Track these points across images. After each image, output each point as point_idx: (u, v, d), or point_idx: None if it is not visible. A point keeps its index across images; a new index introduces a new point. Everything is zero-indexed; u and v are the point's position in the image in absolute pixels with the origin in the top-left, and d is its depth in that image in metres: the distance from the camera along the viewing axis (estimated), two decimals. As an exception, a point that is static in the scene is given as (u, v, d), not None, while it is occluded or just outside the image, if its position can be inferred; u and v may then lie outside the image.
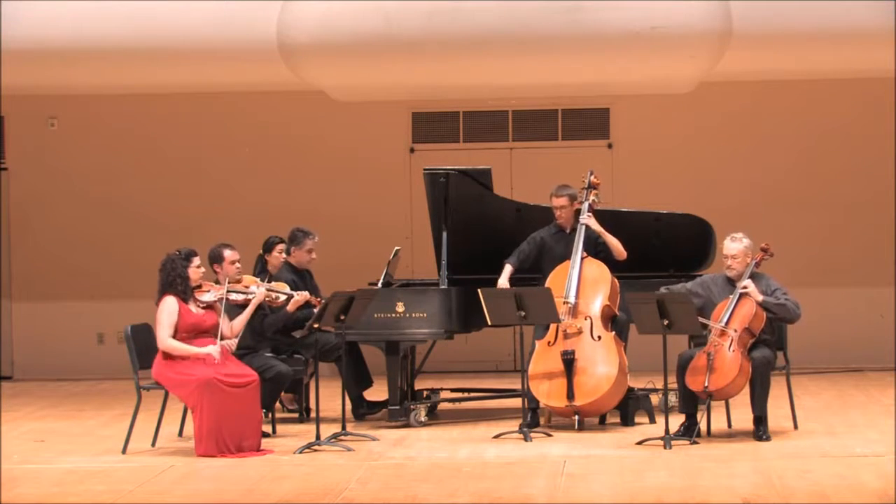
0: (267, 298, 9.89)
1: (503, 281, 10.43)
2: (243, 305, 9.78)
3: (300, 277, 10.77)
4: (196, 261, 9.59)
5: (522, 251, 10.58)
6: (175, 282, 9.48)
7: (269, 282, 10.11)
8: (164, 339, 9.42)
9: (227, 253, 9.87)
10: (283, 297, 10.00)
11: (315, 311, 9.71)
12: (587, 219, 10.42)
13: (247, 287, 9.87)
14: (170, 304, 9.46)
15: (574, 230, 10.50)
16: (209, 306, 9.60)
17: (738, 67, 12.55)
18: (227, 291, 9.66)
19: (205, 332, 9.51)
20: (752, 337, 9.57)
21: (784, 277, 10.01)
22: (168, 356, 9.42)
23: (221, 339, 9.54)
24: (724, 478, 8.35)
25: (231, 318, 9.69)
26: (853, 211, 14.19)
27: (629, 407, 10.34)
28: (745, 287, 9.61)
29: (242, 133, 14.54)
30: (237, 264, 9.89)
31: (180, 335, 9.43)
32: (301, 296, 10.06)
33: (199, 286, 9.61)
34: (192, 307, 9.54)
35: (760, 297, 9.59)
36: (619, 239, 10.51)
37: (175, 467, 9.02)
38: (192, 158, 14.56)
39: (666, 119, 14.37)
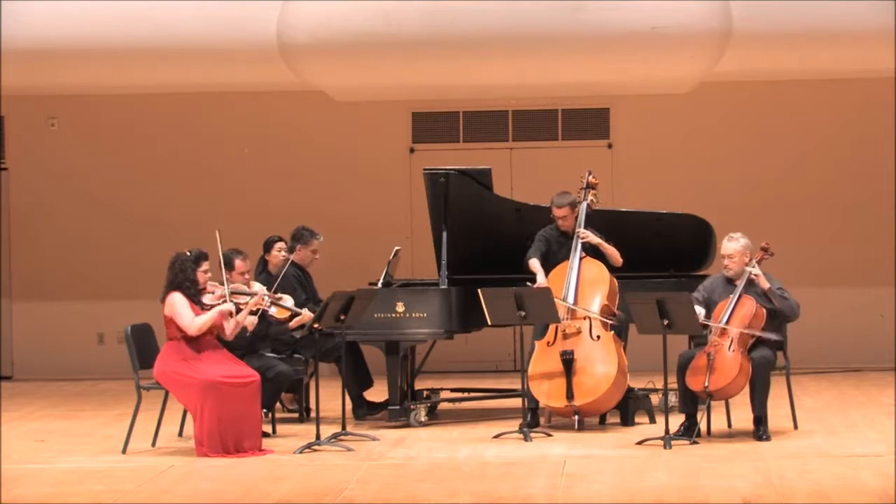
0: (272, 312, 9.86)
1: (542, 278, 10.32)
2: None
3: (303, 274, 10.78)
4: (205, 265, 9.59)
5: (538, 247, 10.53)
6: (183, 284, 9.47)
7: (274, 291, 10.06)
8: (191, 322, 9.38)
9: (238, 262, 9.89)
10: (287, 312, 9.97)
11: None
12: (585, 234, 10.39)
13: (249, 288, 9.90)
14: (180, 298, 9.45)
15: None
16: (212, 307, 9.59)
17: (738, 67, 12.55)
18: (230, 293, 9.65)
19: (208, 333, 9.50)
20: (752, 337, 9.57)
21: (784, 277, 10.01)
22: (170, 357, 9.41)
23: (222, 337, 9.59)
24: (724, 478, 8.34)
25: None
26: (853, 211, 14.19)
27: (629, 407, 10.34)
28: (756, 275, 9.63)
29: (242, 133, 14.53)
30: (246, 276, 9.91)
31: (185, 335, 9.42)
32: (305, 315, 10.01)
33: (204, 288, 9.62)
34: (198, 308, 9.53)
35: (767, 285, 9.61)
36: (619, 239, 10.51)
37: (175, 467, 9.02)
38: (192, 158, 14.56)
39: (666, 119, 14.37)
